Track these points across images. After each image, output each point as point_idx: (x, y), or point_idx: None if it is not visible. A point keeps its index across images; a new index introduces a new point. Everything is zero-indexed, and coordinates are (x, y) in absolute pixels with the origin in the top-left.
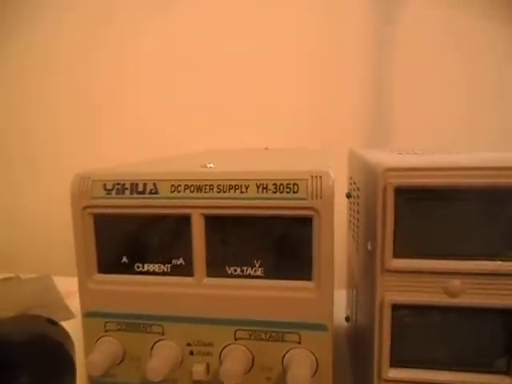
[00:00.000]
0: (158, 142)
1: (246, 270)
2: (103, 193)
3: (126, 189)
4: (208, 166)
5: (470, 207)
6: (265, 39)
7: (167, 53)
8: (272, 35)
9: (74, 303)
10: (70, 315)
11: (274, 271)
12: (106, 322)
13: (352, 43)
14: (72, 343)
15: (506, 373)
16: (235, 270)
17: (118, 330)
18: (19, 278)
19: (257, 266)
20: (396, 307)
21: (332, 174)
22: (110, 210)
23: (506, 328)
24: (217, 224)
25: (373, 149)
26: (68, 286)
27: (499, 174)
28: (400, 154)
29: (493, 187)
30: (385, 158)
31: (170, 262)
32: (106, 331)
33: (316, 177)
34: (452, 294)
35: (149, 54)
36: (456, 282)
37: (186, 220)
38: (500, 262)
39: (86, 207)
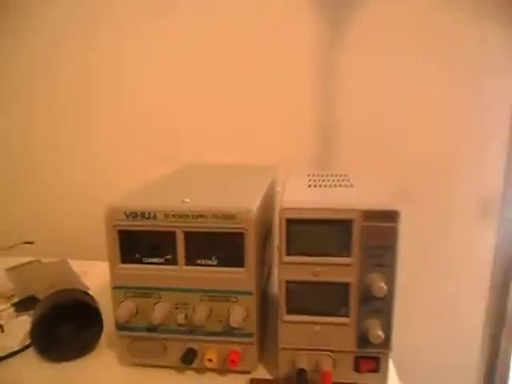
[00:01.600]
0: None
1: (207, 261)
2: (124, 217)
3: (138, 215)
4: (185, 200)
5: (324, 229)
6: (226, 59)
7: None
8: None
9: (87, 280)
10: (85, 288)
11: (224, 262)
12: (126, 292)
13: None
14: (98, 305)
15: (345, 316)
16: (202, 261)
17: (133, 296)
18: (41, 262)
19: (213, 259)
20: (288, 282)
21: (255, 209)
22: (128, 228)
23: (344, 292)
24: (191, 236)
25: (296, 178)
26: (81, 268)
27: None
28: (309, 186)
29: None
30: (290, 194)
31: (164, 257)
32: (126, 297)
33: (246, 211)
34: (316, 275)
35: (132, 59)
36: (318, 268)
37: (173, 234)
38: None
39: (114, 225)
